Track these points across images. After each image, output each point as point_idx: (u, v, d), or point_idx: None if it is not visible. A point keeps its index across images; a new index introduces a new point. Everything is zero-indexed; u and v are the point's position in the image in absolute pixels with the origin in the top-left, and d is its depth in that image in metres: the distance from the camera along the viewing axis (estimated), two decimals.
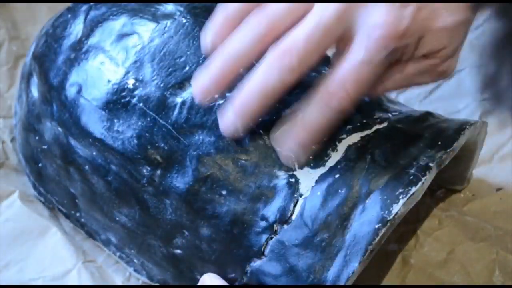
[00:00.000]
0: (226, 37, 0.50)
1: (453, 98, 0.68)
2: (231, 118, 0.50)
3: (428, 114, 0.53)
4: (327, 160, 0.50)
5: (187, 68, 0.53)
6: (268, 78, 0.48)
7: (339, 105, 0.48)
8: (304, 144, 0.49)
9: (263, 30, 0.49)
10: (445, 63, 0.51)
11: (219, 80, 0.50)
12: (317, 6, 0.48)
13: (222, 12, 0.51)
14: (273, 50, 0.48)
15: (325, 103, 0.48)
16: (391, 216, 0.47)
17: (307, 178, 0.50)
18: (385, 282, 0.59)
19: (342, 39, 0.48)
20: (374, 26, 0.47)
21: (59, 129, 0.56)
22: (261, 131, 0.51)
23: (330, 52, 0.51)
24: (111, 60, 0.55)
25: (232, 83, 0.50)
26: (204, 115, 0.52)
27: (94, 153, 0.55)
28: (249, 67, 0.50)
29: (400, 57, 0.49)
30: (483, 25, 0.71)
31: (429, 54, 0.50)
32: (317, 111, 0.49)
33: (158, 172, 0.52)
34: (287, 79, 0.48)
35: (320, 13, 0.48)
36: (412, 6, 0.47)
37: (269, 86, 0.48)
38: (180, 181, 0.52)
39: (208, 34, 0.51)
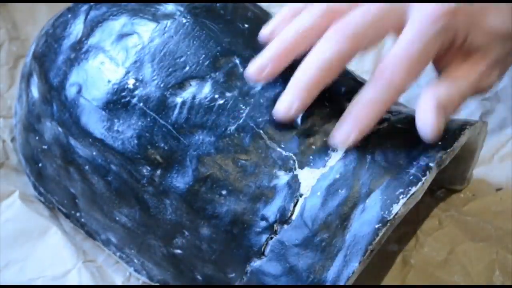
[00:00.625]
0: (279, 68, 0.51)
1: None
2: (290, 98, 0.50)
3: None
4: (327, 160, 0.50)
5: (187, 68, 0.53)
6: (325, 50, 0.49)
7: (390, 83, 0.48)
8: (358, 123, 0.49)
9: (321, 13, 0.51)
10: (488, 74, 0.51)
11: (276, 58, 0.51)
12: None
13: (288, 7, 0.53)
14: (332, 26, 0.50)
15: (379, 81, 0.49)
16: (391, 216, 0.47)
17: (307, 178, 0.50)
18: (385, 282, 0.59)
19: (399, 28, 0.49)
20: (424, 6, 0.48)
21: (59, 129, 0.56)
22: (261, 131, 0.51)
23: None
24: (111, 60, 0.55)
25: (287, 64, 0.51)
26: (204, 115, 0.52)
27: (94, 153, 0.55)
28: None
29: (450, 45, 0.50)
30: None
31: (476, 51, 0.50)
32: (372, 89, 0.49)
33: (158, 172, 0.52)
34: (343, 50, 0.49)
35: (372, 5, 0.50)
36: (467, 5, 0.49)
37: (326, 58, 0.49)
38: (180, 181, 0.52)
39: (269, 25, 0.53)
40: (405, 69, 0.48)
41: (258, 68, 0.51)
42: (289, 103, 0.50)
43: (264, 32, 0.53)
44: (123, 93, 0.54)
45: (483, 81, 0.51)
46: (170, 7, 0.55)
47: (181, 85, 0.53)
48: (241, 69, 0.53)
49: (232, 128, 0.51)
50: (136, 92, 0.53)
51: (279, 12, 0.54)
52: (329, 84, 0.50)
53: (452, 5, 0.48)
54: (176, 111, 0.52)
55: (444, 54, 0.51)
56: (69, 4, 0.60)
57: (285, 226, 0.49)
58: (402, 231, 0.60)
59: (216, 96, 0.52)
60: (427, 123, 0.48)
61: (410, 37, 0.48)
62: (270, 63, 0.51)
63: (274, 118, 0.51)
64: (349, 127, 0.49)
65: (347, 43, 0.49)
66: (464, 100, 0.50)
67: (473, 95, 0.52)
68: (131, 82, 0.54)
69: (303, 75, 0.50)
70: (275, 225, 0.50)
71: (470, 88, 0.51)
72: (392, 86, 0.49)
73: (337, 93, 0.52)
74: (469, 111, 0.67)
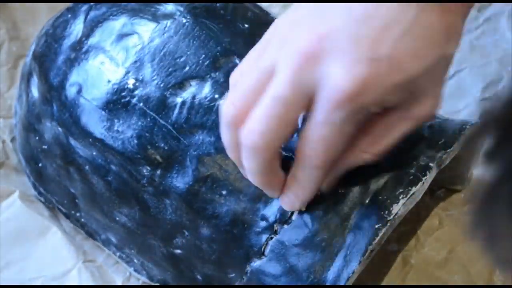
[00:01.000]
0: None
1: (453, 98, 0.68)
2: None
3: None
4: None
5: (187, 68, 0.53)
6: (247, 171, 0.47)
7: (314, 164, 0.46)
8: (299, 196, 0.48)
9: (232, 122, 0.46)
10: (423, 106, 0.46)
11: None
12: (274, 78, 0.44)
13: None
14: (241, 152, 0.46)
15: (302, 161, 0.46)
16: (391, 216, 0.47)
17: None
18: (385, 282, 0.59)
19: (311, 100, 0.44)
20: (329, 87, 0.43)
21: (59, 129, 0.56)
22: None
23: None
24: (111, 60, 0.55)
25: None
26: (204, 115, 0.52)
27: (94, 153, 0.55)
28: None
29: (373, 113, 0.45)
30: (483, 25, 0.71)
31: (402, 105, 0.45)
32: (301, 170, 0.47)
33: (158, 172, 0.52)
34: (260, 167, 0.46)
35: (277, 85, 0.44)
36: (369, 61, 0.42)
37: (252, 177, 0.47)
38: (180, 181, 0.52)
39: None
40: (322, 151, 0.45)
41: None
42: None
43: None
44: (123, 93, 0.54)
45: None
46: (170, 7, 0.55)
47: (181, 85, 0.53)
48: None
49: None
50: (136, 92, 0.53)
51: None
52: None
53: (357, 86, 0.42)
54: (176, 111, 0.52)
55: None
56: (69, 4, 0.60)
57: (285, 226, 0.49)
58: (402, 231, 0.60)
59: (216, 96, 0.52)
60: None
61: (319, 121, 0.44)
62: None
63: None
64: (292, 199, 0.49)
65: (260, 161, 0.46)
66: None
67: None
68: (131, 82, 0.54)
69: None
70: (275, 225, 0.50)
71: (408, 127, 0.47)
72: (315, 168, 0.46)
73: None
74: (469, 111, 0.67)
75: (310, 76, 0.43)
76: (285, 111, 0.44)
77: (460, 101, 0.68)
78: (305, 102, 0.44)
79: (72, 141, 0.56)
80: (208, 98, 0.52)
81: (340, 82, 0.42)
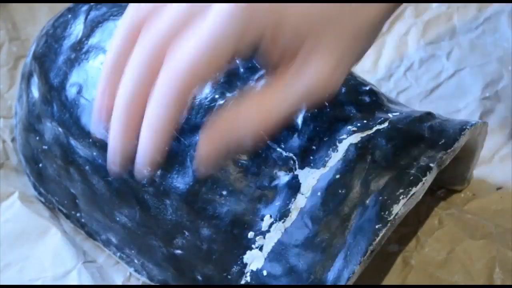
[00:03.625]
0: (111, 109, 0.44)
1: (454, 97, 0.68)
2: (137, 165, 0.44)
3: (428, 115, 0.53)
4: (327, 161, 0.50)
5: None
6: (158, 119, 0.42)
7: (175, 86, 0.41)
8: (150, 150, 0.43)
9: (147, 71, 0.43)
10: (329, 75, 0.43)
11: (127, 133, 0.44)
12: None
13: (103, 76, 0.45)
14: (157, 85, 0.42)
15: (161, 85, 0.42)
16: (392, 217, 0.47)
17: (308, 178, 0.50)
18: (385, 282, 0.59)
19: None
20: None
21: (60, 129, 0.56)
22: (261, 132, 0.51)
23: None
24: None
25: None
26: (204, 116, 0.52)
27: (95, 153, 0.55)
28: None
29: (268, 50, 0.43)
30: (483, 24, 0.72)
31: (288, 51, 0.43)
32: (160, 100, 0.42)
33: (159, 172, 0.52)
34: (176, 113, 0.42)
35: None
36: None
37: (160, 126, 0.43)
38: (181, 182, 0.52)
39: (97, 112, 0.46)
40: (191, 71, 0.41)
41: (122, 158, 0.45)
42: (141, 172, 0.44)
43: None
44: None
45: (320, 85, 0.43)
46: None
47: None
48: (242, 70, 0.53)
49: None
50: None
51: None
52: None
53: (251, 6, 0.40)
54: None
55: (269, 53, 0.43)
56: (69, 5, 0.60)
57: (286, 227, 0.49)
58: (403, 231, 0.60)
59: (217, 96, 0.52)
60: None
61: (203, 33, 0.41)
62: (124, 144, 0.44)
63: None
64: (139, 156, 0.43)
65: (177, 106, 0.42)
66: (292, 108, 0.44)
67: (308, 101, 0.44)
68: None
69: (145, 151, 0.43)
70: (275, 226, 0.50)
71: (299, 95, 0.43)
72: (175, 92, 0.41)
73: (338, 93, 0.52)
74: (469, 111, 0.67)
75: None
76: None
77: (460, 100, 0.68)
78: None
79: (73, 141, 0.56)
80: (208, 99, 0.52)
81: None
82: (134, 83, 0.43)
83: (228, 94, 0.52)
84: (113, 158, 0.45)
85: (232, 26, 0.41)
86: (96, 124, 0.48)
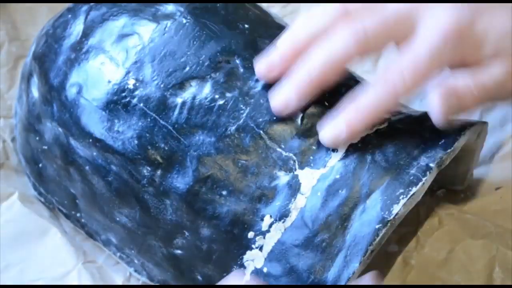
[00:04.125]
0: (288, 66, 0.51)
1: None
2: (287, 91, 0.50)
3: (428, 115, 0.53)
4: (327, 161, 0.50)
5: (187, 68, 0.53)
6: (332, 51, 0.50)
7: (393, 90, 0.49)
8: (352, 124, 0.49)
9: (336, 15, 0.51)
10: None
11: (287, 58, 0.51)
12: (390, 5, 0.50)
13: (289, 38, 0.52)
14: (341, 26, 0.50)
15: (380, 86, 0.49)
16: (392, 217, 0.47)
17: (308, 178, 0.50)
18: (385, 283, 0.59)
19: (405, 36, 0.50)
20: (436, 22, 0.49)
21: (60, 129, 0.56)
22: (261, 132, 0.51)
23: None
24: (112, 61, 0.55)
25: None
26: (204, 116, 0.52)
27: (95, 154, 0.55)
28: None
29: (467, 59, 0.50)
30: None
31: (496, 57, 0.50)
32: (371, 93, 0.49)
33: (159, 172, 0.52)
34: (349, 53, 0.50)
35: (391, 8, 0.50)
36: (474, 6, 0.49)
37: (332, 59, 0.50)
38: (181, 182, 0.52)
39: (266, 62, 0.52)
40: (411, 82, 0.49)
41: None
42: (287, 99, 0.50)
43: (259, 70, 0.52)
44: (124, 94, 0.54)
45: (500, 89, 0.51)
46: (170, 8, 0.55)
47: (181, 85, 0.53)
48: (242, 70, 0.53)
49: (233, 128, 0.51)
50: (137, 92, 0.53)
51: (276, 47, 0.52)
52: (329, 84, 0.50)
53: (465, 23, 0.49)
54: (176, 112, 0.52)
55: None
56: (69, 5, 0.60)
57: (286, 227, 0.49)
58: (403, 232, 0.60)
59: (217, 96, 0.52)
60: (435, 110, 0.49)
61: (421, 51, 0.49)
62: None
63: (272, 110, 0.51)
64: (341, 127, 0.49)
65: (354, 48, 0.49)
66: (482, 94, 0.50)
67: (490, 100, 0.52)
68: (131, 83, 0.54)
69: (305, 74, 0.50)
70: (275, 226, 0.50)
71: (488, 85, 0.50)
72: (394, 95, 0.49)
73: (338, 93, 0.52)
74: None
75: (418, 14, 0.50)
76: (391, 29, 0.50)
77: None
78: (403, 32, 0.50)
79: (73, 142, 0.56)
80: (208, 99, 0.52)
81: (447, 20, 0.49)
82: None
83: (228, 94, 0.52)
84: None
85: (445, 50, 0.49)
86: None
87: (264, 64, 0.52)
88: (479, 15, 0.49)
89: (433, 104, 0.49)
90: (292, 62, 0.51)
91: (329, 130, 0.50)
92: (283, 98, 0.51)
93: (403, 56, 0.49)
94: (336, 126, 0.50)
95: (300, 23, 0.52)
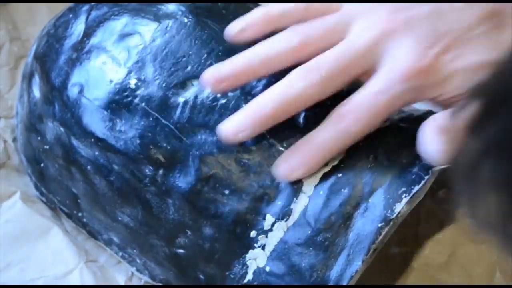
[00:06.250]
0: (257, 32, 0.51)
1: None
2: (241, 120, 0.50)
3: (431, 113, 0.53)
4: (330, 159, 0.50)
5: (189, 67, 0.53)
6: (290, 89, 0.49)
7: (346, 128, 0.48)
8: (306, 161, 0.49)
9: (296, 45, 0.50)
10: None
11: (237, 74, 0.50)
12: (352, 33, 0.49)
13: (263, 9, 0.52)
14: (302, 66, 0.49)
15: (334, 124, 0.48)
16: (394, 215, 0.47)
17: (310, 177, 0.50)
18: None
19: (367, 73, 0.49)
20: (397, 60, 0.48)
21: (61, 129, 0.56)
22: (264, 131, 0.51)
23: None
24: (113, 60, 0.55)
25: (247, 82, 0.51)
26: (206, 115, 0.52)
27: (96, 153, 0.55)
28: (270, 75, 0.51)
29: (422, 97, 0.49)
30: None
31: (454, 96, 0.49)
32: (325, 131, 0.49)
33: (161, 171, 0.52)
34: (308, 93, 0.49)
35: (353, 39, 0.49)
36: (437, 47, 0.48)
37: (290, 97, 0.49)
38: (183, 181, 0.52)
39: (240, 23, 0.52)
40: (366, 120, 0.48)
41: (216, 78, 0.50)
42: (238, 129, 0.50)
43: (232, 29, 0.52)
44: (125, 93, 0.54)
45: None
46: (171, 7, 0.56)
47: (183, 84, 0.53)
48: None
49: None
50: (138, 92, 0.53)
51: (253, 11, 0.53)
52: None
53: (424, 64, 0.47)
54: (178, 111, 0.52)
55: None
56: (70, 4, 0.60)
57: (288, 226, 0.49)
58: (404, 233, 0.60)
59: (218, 95, 0.52)
60: (430, 149, 0.47)
61: (377, 89, 0.48)
62: (230, 76, 0.50)
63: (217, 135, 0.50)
64: (296, 163, 0.49)
65: (314, 87, 0.49)
66: None
67: None
68: (133, 82, 0.54)
69: (262, 108, 0.49)
70: (277, 225, 0.50)
71: None
72: (348, 133, 0.48)
73: (339, 93, 0.52)
74: None
75: (380, 49, 0.48)
76: (350, 65, 0.49)
77: None
78: (365, 69, 0.49)
79: (74, 141, 0.56)
80: (210, 98, 0.52)
81: (411, 58, 0.47)
82: (284, 45, 0.50)
83: (229, 93, 0.52)
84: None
85: (403, 91, 0.48)
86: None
87: (215, 73, 0.51)
88: (452, 48, 0.48)
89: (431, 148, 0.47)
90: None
91: (284, 168, 0.49)
92: (234, 128, 0.50)
93: (360, 93, 0.48)
94: (292, 164, 0.49)
95: (258, 50, 0.51)
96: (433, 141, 0.46)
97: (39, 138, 0.59)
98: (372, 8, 0.50)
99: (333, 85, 0.49)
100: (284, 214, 0.50)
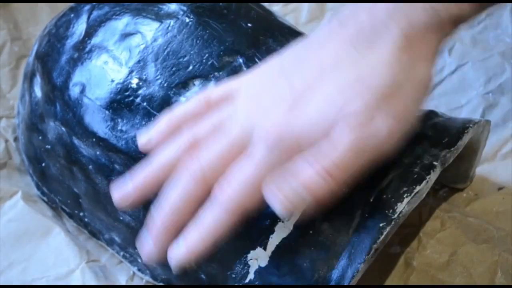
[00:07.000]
0: (163, 139, 0.50)
1: (456, 93, 0.68)
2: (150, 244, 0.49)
3: (432, 113, 0.53)
4: None
5: (190, 67, 0.53)
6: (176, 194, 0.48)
7: (226, 207, 0.47)
8: (190, 245, 0.48)
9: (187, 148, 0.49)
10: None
11: (141, 188, 0.49)
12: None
13: (167, 117, 0.51)
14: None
15: (214, 200, 0.47)
16: (396, 215, 0.47)
17: None
18: (387, 284, 0.59)
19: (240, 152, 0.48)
20: (263, 132, 0.46)
21: (63, 128, 0.56)
22: None
23: None
24: (115, 60, 0.55)
25: (153, 194, 0.49)
26: None
27: (98, 153, 0.55)
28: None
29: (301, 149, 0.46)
30: (485, 20, 0.72)
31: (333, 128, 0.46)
32: (211, 214, 0.47)
33: None
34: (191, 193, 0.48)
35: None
36: (304, 108, 0.46)
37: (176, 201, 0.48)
38: None
39: (146, 135, 0.51)
40: (241, 198, 0.46)
41: (122, 197, 0.50)
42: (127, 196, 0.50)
43: (140, 140, 0.51)
44: (127, 93, 0.54)
45: None
46: (173, 7, 0.56)
47: (184, 84, 0.53)
48: (245, 68, 0.53)
49: None
50: (140, 91, 0.53)
51: (159, 120, 0.51)
52: None
53: (283, 123, 0.46)
54: None
55: None
56: (72, 4, 0.60)
57: (290, 225, 0.49)
58: (405, 233, 0.60)
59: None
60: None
61: (247, 166, 0.47)
62: (134, 191, 0.49)
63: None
64: (182, 249, 0.47)
65: (194, 187, 0.48)
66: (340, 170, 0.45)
67: None
68: (134, 82, 0.54)
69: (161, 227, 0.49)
70: (280, 224, 0.49)
71: None
72: (229, 213, 0.47)
73: None
74: (472, 106, 0.67)
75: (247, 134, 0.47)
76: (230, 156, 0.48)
77: (463, 96, 0.68)
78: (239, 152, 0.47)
79: (76, 141, 0.56)
80: None
81: (270, 128, 0.46)
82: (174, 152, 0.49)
83: None
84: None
85: (273, 156, 0.46)
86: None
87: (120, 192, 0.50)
88: (302, 103, 0.46)
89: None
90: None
91: (170, 251, 0.48)
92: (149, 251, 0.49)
93: (232, 175, 0.47)
94: (177, 247, 0.48)
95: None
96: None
97: (40, 137, 0.59)
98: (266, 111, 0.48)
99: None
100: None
